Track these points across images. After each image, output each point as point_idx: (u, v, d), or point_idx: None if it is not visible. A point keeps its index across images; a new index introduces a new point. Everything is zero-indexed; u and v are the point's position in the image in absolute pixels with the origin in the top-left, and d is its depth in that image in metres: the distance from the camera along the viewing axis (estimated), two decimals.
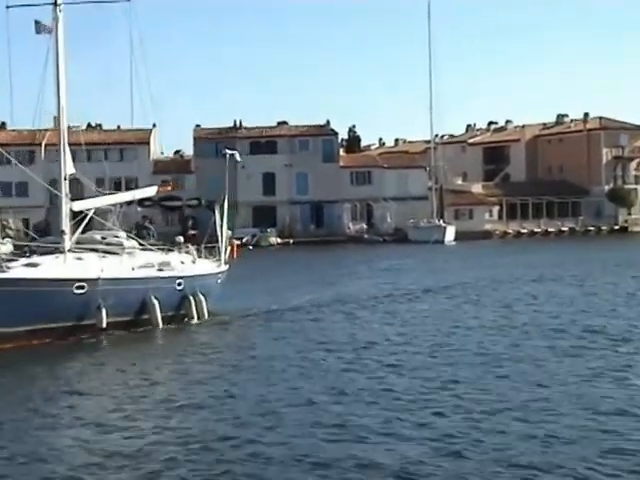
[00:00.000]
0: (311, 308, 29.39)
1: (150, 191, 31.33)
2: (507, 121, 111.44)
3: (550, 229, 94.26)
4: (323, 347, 21.01)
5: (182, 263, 27.16)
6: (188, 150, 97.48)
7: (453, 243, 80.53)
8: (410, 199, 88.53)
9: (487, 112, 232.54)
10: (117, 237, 26.17)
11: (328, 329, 24.45)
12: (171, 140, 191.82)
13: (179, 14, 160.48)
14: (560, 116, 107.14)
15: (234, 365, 19.11)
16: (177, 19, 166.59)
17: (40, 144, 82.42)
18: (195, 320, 26.29)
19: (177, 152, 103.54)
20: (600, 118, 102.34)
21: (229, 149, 34.47)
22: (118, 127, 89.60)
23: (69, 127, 26.97)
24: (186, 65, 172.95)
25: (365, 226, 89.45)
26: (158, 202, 31.32)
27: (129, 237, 26.73)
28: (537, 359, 18.30)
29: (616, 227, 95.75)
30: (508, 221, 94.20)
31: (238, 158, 34.05)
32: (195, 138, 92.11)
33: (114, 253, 24.96)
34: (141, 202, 30.56)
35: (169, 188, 35.85)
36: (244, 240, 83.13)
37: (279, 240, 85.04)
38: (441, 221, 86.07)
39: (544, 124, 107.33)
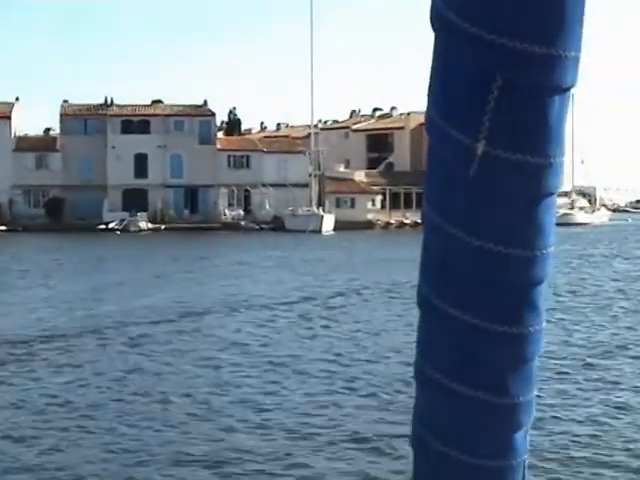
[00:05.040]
0: (101, 328, 22.40)
1: None
2: (392, 108, 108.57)
3: None
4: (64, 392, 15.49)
5: None
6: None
7: (331, 233, 77.02)
8: (290, 186, 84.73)
9: (372, 98, 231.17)
10: None
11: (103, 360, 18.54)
12: (42, 116, 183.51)
13: None
14: None
15: None
16: None
17: None
18: None
19: (48, 130, 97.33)
20: None
21: None
22: None
23: None
24: (57, 35, 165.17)
25: (242, 213, 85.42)
26: None
27: None
28: None
29: None
30: (391, 211, 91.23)
31: None
32: (62, 114, 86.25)
33: None
34: None
35: None
36: (112, 225, 78.49)
37: (150, 225, 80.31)
38: (320, 209, 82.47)
39: None
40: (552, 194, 1.13)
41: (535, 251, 1.12)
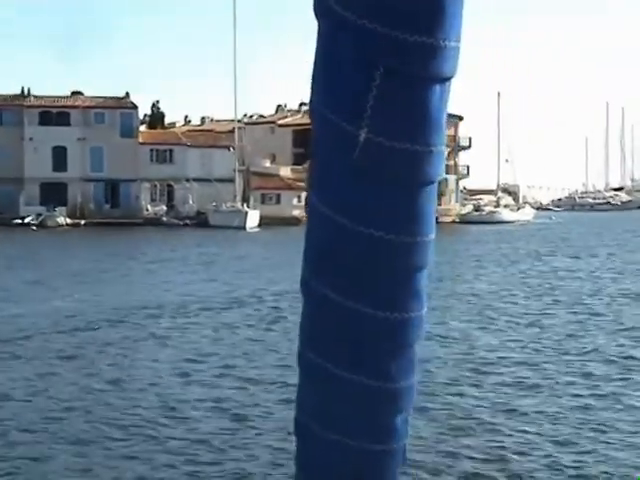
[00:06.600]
0: None
1: None
2: None
3: None
4: None
5: None
6: None
7: (256, 229, 75.52)
8: (214, 181, 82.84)
9: (298, 92, 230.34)
10: None
11: None
12: None
13: None
14: None
15: None
16: None
17: None
18: None
19: None
20: None
21: None
22: None
23: None
24: None
25: (165, 208, 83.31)
26: None
27: None
28: None
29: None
30: None
31: None
32: None
33: None
34: None
35: None
36: (28, 220, 75.77)
37: (68, 220, 77.74)
38: (245, 205, 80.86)
39: None
40: (433, 182, 1.13)
41: (416, 238, 1.12)
